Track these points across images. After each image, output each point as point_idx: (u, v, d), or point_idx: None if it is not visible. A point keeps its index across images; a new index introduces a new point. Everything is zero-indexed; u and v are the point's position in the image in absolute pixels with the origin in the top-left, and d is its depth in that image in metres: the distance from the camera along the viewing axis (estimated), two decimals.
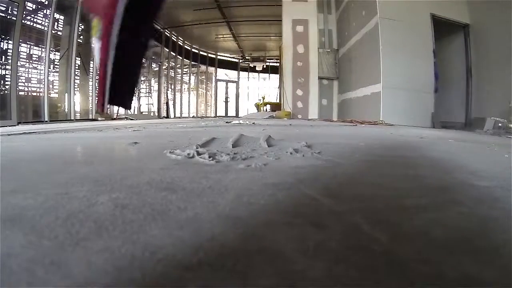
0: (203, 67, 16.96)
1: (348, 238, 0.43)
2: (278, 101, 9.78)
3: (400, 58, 5.62)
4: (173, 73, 14.95)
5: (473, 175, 0.94)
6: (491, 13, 5.52)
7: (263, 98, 12.65)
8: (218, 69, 17.45)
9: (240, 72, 17.67)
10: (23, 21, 7.29)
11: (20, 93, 7.75)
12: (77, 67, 9.27)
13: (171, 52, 14.25)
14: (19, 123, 6.71)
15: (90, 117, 9.65)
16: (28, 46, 8.01)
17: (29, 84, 8.20)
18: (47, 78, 8.14)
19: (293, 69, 8.46)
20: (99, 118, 9.15)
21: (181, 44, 14.96)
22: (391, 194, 0.68)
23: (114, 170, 0.95)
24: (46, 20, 8.13)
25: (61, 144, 1.83)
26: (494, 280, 0.31)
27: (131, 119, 9.22)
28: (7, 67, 7.05)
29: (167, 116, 12.40)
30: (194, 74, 17.16)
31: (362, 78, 6.65)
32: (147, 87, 11.97)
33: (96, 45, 0.63)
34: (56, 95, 8.91)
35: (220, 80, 17.83)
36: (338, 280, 0.32)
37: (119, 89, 0.66)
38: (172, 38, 14.05)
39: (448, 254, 0.37)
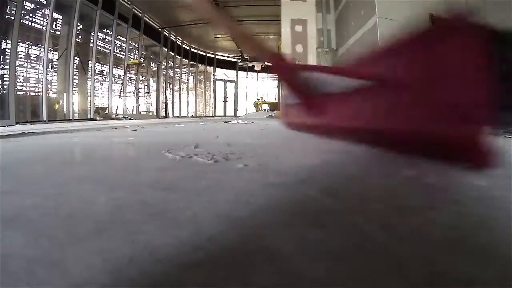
0: (201, 67, 16.96)
1: (347, 237, 0.43)
2: (277, 100, 9.77)
3: None
4: (171, 73, 14.93)
5: (472, 174, 0.94)
6: (489, 13, 5.53)
7: (262, 97, 12.66)
8: (216, 68, 17.45)
9: (239, 72, 17.68)
10: (21, 21, 7.26)
11: (19, 93, 7.72)
12: (75, 67, 9.24)
13: (170, 52, 14.24)
14: (17, 123, 6.69)
15: (89, 117, 9.62)
16: (27, 45, 7.99)
17: (28, 84, 8.18)
18: (46, 77, 8.12)
19: None
20: (98, 118, 9.14)
21: (180, 43, 14.95)
22: (391, 193, 0.68)
23: (113, 170, 0.94)
24: (45, 20, 8.10)
25: (59, 144, 1.82)
26: (493, 280, 0.32)
27: (130, 119, 9.21)
28: (6, 66, 7.03)
29: (166, 116, 12.39)
30: (193, 74, 17.16)
31: None
32: (146, 86, 11.95)
33: None
34: (55, 95, 8.88)
35: (218, 80, 17.83)
36: (337, 279, 0.32)
37: None
38: (171, 37, 14.04)
39: (446, 253, 0.38)
